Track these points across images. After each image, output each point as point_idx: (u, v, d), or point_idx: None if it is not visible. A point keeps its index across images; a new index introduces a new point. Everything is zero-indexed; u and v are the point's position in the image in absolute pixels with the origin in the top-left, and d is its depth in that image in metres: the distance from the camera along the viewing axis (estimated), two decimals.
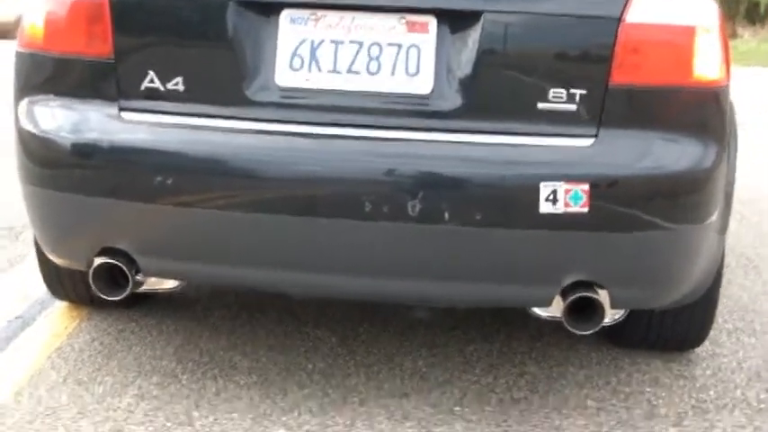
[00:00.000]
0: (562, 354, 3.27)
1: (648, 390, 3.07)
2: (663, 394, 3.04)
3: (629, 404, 2.96)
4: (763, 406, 2.98)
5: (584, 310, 2.55)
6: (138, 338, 3.28)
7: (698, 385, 3.11)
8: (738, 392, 3.06)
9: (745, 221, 5.13)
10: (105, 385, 2.94)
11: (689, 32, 2.49)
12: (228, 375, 3.03)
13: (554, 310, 2.60)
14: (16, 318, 3.45)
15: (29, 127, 2.66)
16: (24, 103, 2.70)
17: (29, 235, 3.80)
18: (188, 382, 2.97)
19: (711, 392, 3.06)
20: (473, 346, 3.31)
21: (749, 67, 17.46)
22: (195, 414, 2.79)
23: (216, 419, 2.76)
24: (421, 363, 3.18)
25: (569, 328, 2.58)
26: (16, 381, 2.95)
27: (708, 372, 3.21)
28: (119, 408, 2.80)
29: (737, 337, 3.51)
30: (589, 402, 2.96)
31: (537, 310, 2.77)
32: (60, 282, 3.31)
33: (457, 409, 2.88)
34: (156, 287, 2.97)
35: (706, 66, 2.51)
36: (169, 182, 2.50)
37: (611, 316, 2.77)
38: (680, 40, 2.49)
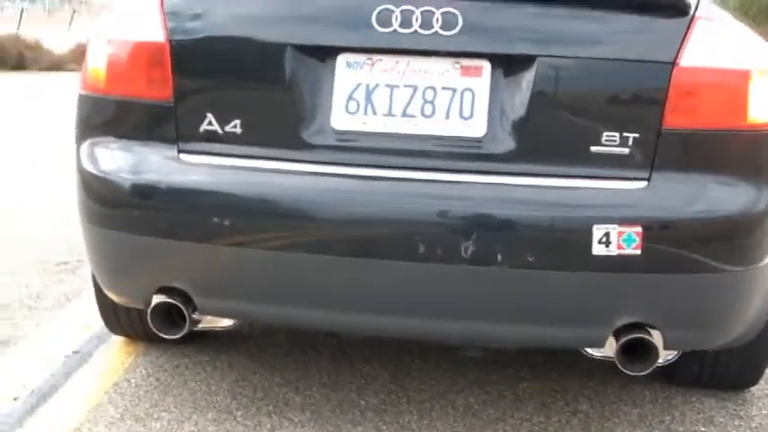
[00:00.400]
0: (615, 392, 3.27)
1: (703, 429, 3.05)
2: None
3: None
4: None
5: (637, 350, 2.55)
6: (192, 374, 3.32)
7: (753, 425, 3.09)
8: None
9: None
10: (162, 421, 2.98)
11: (743, 76, 2.49)
12: (282, 412, 3.06)
13: (607, 350, 2.60)
14: (74, 352, 3.51)
15: (90, 167, 2.72)
16: (86, 144, 2.76)
17: (85, 269, 3.87)
18: (243, 419, 3.01)
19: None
20: (525, 384, 3.31)
21: None
22: None
23: None
24: (473, 400, 3.18)
25: (622, 368, 2.57)
26: (75, 416, 3.00)
27: (764, 411, 3.19)
28: None
29: None
30: None
31: (590, 350, 2.77)
32: (117, 317, 3.36)
33: None
34: (213, 325, 3.01)
35: (760, 109, 2.51)
36: (226, 223, 2.54)
37: (665, 356, 2.76)
38: (734, 84, 2.49)
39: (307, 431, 2.94)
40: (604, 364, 2.97)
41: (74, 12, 31.51)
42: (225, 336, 3.61)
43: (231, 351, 3.51)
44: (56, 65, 20.76)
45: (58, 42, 22.34)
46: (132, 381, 3.26)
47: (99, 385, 3.23)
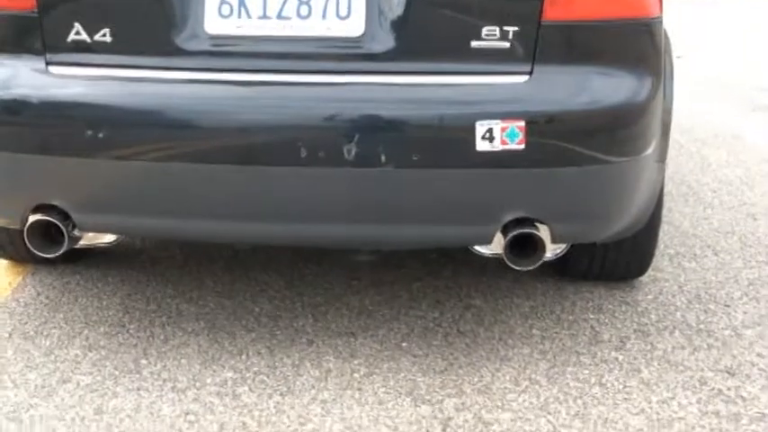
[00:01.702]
0: (507, 286, 3.31)
1: (592, 317, 3.12)
2: (606, 320, 3.09)
3: (572, 331, 3.01)
4: (701, 326, 3.05)
5: (525, 246, 2.56)
6: (83, 290, 3.27)
7: (640, 309, 3.17)
8: (679, 315, 3.13)
9: (684, 150, 5.19)
10: (52, 338, 2.94)
11: None
12: (176, 322, 3.04)
13: (496, 247, 2.62)
14: None
15: None
16: None
17: None
18: (135, 331, 2.98)
19: (653, 316, 3.12)
20: (419, 283, 3.34)
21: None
22: (143, 362, 2.80)
23: (164, 366, 2.78)
24: (368, 301, 3.21)
25: (511, 264, 2.59)
26: None
27: (650, 296, 3.27)
28: (66, 359, 2.81)
29: (678, 261, 3.57)
30: (534, 332, 3.01)
31: (479, 248, 2.77)
32: None
33: (404, 344, 2.92)
34: (94, 242, 2.92)
35: None
36: (100, 135, 2.46)
37: (553, 251, 2.80)
38: None
39: (200, 340, 2.93)
40: (497, 259, 3.02)
41: None
42: (116, 251, 3.55)
43: (123, 265, 3.46)
44: None
45: None
46: (21, 300, 3.20)
47: None
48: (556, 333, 3.00)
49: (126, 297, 3.22)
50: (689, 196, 4.40)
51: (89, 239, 2.86)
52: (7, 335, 2.95)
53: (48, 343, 2.91)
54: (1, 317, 3.08)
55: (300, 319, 3.07)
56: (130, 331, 2.98)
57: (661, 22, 2.60)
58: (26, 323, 3.03)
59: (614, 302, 3.22)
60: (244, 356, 2.83)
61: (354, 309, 3.15)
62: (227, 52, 2.51)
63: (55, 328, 3.00)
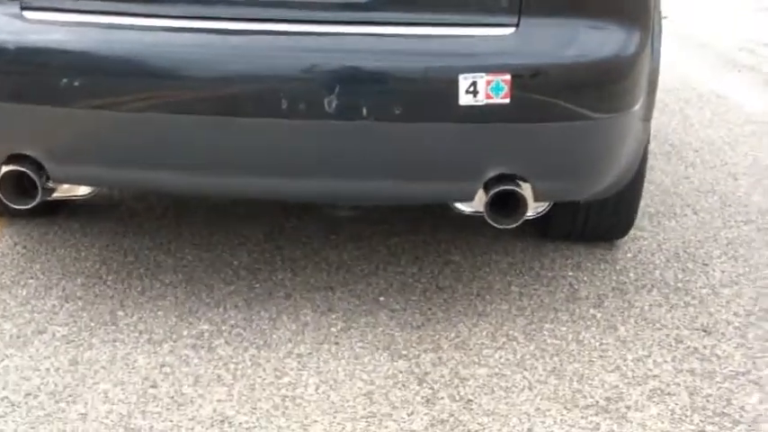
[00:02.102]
0: (487, 243, 3.31)
1: (571, 274, 3.13)
2: (584, 278, 3.10)
3: (551, 288, 3.02)
4: (679, 285, 3.06)
5: (507, 203, 2.53)
6: (61, 241, 3.25)
7: (618, 268, 3.18)
8: (657, 273, 3.14)
9: (667, 109, 5.17)
10: (29, 288, 2.93)
11: None
12: (154, 274, 3.03)
13: (477, 204, 2.58)
14: None
15: None
16: None
17: None
18: (112, 283, 2.97)
19: (631, 274, 3.13)
20: (398, 239, 3.34)
21: None
22: (120, 314, 2.79)
23: (140, 318, 2.77)
24: (346, 256, 3.20)
25: (492, 222, 2.56)
26: None
27: (629, 255, 3.28)
28: (43, 310, 2.80)
29: (658, 220, 3.58)
30: (512, 288, 3.01)
31: (460, 206, 2.74)
32: None
33: (382, 299, 2.92)
34: (69, 194, 2.87)
35: None
36: (76, 84, 2.41)
37: (534, 209, 2.74)
38: None
39: (178, 292, 2.92)
40: (478, 217, 3.01)
41: None
42: (95, 202, 3.51)
43: (102, 216, 3.44)
44: None
45: None
46: None
47: None
48: (534, 290, 3.00)
49: (104, 248, 3.20)
50: (671, 155, 4.39)
51: (63, 191, 2.81)
52: None
53: (24, 293, 2.89)
54: None
55: (279, 273, 3.07)
56: (107, 283, 2.97)
57: None
58: (2, 273, 3.01)
59: (593, 260, 3.22)
60: (221, 309, 2.83)
61: (333, 263, 3.15)
62: (207, 0, 2.46)
63: (32, 278, 2.99)
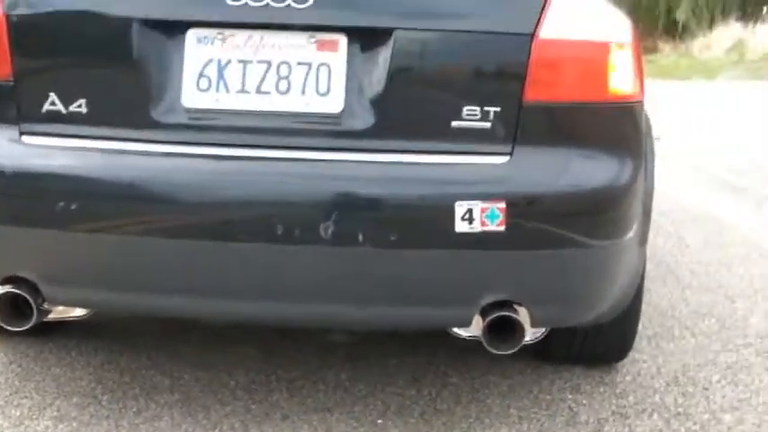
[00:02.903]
0: (485, 364, 3.29)
1: (570, 397, 3.10)
2: (584, 401, 3.07)
3: (550, 412, 2.99)
4: (680, 410, 3.03)
5: (504, 328, 2.50)
6: (56, 359, 3.23)
7: (618, 391, 3.15)
8: (657, 397, 3.11)
9: (662, 230, 5.21)
10: (22, 408, 2.89)
11: (603, 48, 2.47)
12: (149, 395, 3.00)
13: (474, 329, 2.56)
14: None
15: None
16: None
17: None
18: (108, 403, 2.93)
19: (631, 398, 3.11)
20: (396, 359, 3.32)
21: (669, 80, 17.80)
22: None
23: None
24: (344, 376, 3.17)
25: (489, 348, 2.53)
26: None
27: (628, 378, 3.26)
28: (36, 431, 2.75)
29: (657, 342, 3.57)
30: (511, 411, 2.99)
31: (457, 330, 2.72)
32: None
33: (380, 422, 2.89)
34: (64, 315, 2.85)
35: (620, 81, 2.50)
36: (72, 207, 2.41)
37: (532, 334, 2.73)
38: (594, 56, 2.47)
39: (174, 413, 2.89)
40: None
41: None
42: (91, 319, 3.47)
43: (97, 334, 3.42)
44: None
45: None
46: None
47: None
48: (534, 413, 2.98)
49: (99, 367, 3.18)
50: (667, 277, 4.41)
51: (59, 312, 2.78)
52: None
53: (18, 413, 2.85)
54: None
55: (276, 394, 3.04)
56: (103, 403, 2.93)
57: (642, 104, 2.62)
58: None
59: (592, 383, 3.20)
60: (217, 431, 2.79)
61: (330, 384, 3.12)
62: (204, 126, 2.47)
63: (26, 398, 2.95)
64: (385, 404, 3.00)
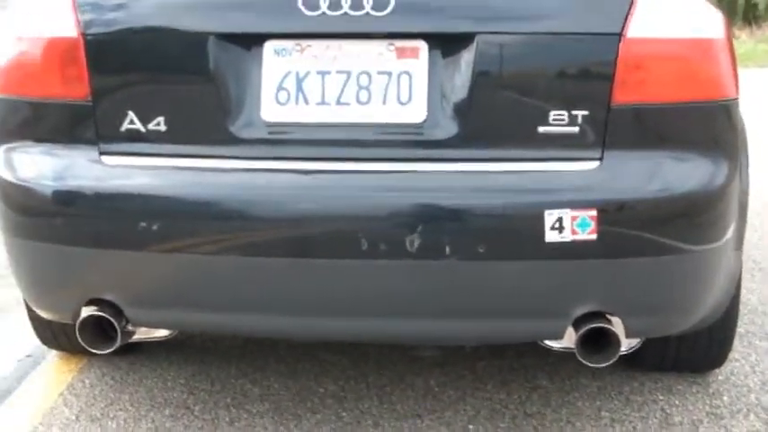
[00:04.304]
0: (574, 366, 3.25)
1: (662, 398, 3.06)
2: (677, 402, 3.03)
3: (643, 414, 2.95)
4: None
5: (598, 340, 2.44)
6: (148, 371, 3.28)
7: (711, 391, 3.10)
8: (752, 397, 3.06)
9: (748, 224, 5.10)
10: (118, 420, 2.94)
11: (694, 45, 2.40)
12: (241, 404, 3.03)
13: (566, 341, 2.50)
14: (26, 356, 3.46)
15: (8, 175, 2.56)
16: (2, 150, 2.61)
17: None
18: (200, 413, 2.97)
19: (725, 398, 3.05)
20: (484, 363, 3.31)
21: (747, 68, 17.44)
22: None
23: None
24: (433, 382, 3.17)
25: (584, 360, 2.46)
26: (30, 419, 2.96)
27: (721, 377, 3.20)
28: None
29: (749, 340, 3.51)
30: (603, 414, 2.96)
31: (549, 342, 2.65)
32: (52, 333, 3.21)
33: (471, 427, 2.88)
34: (148, 336, 2.84)
35: (714, 79, 2.42)
36: (155, 228, 2.41)
37: (628, 344, 2.65)
38: (686, 54, 2.40)
39: (266, 422, 2.91)
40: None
41: None
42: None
43: (187, 346, 3.47)
44: None
45: None
46: (87, 381, 3.21)
47: (53, 387, 3.19)
48: (625, 415, 2.94)
49: (190, 378, 3.22)
50: (755, 271, 4.33)
51: (143, 333, 2.77)
52: (74, 417, 2.96)
53: (114, 425, 2.91)
54: (68, 398, 3.09)
55: (365, 401, 3.05)
56: (196, 413, 2.97)
57: (738, 103, 2.52)
58: (92, 405, 3.04)
59: (684, 384, 3.15)
60: None
61: (419, 390, 3.12)
62: (284, 140, 2.45)
63: (121, 410, 3.01)
64: (475, 409, 2.99)
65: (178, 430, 2.87)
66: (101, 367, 3.31)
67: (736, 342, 3.43)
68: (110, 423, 2.92)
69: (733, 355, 3.34)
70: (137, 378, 3.23)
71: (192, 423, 2.91)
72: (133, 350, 3.38)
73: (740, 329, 3.54)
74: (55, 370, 3.33)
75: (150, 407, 3.02)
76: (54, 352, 3.44)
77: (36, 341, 3.51)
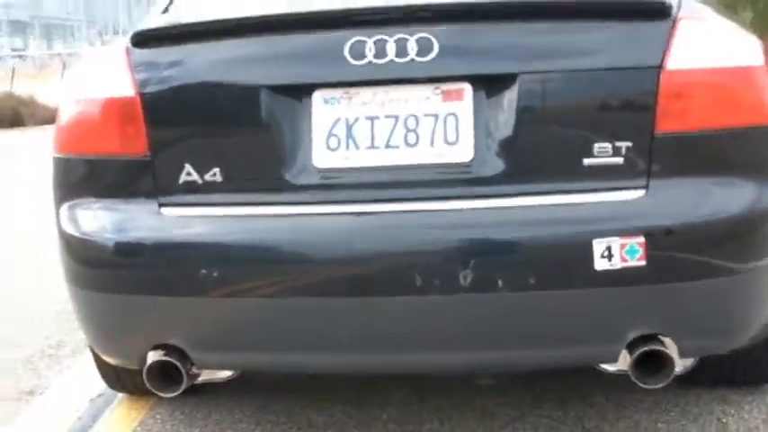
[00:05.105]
0: (628, 381, 3.29)
1: (718, 408, 3.12)
2: (732, 411, 3.09)
3: (699, 423, 3.02)
4: None
5: (652, 361, 2.49)
6: (216, 405, 3.39)
7: (767, 399, 3.15)
8: None
9: None
10: None
11: (733, 74, 2.47)
12: None
13: (621, 363, 2.55)
14: (98, 395, 3.58)
15: (71, 230, 2.68)
16: (65, 206, 2.73)
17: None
18: None
19: None
20: (540, 383, 3.38)
21: None
22: None
23: None
24: (490, 403, 3.25)
25: (638, 382, 2.52)
26: None
27: None
28: None
29: None
30: (659, 425, 3.02)
31: (604, 366, 2.69)
32: (118, 377, 3.32)
33: None
34: (212, 378, 2.93)
35: (753, 105, 2.48)
36: (215, 274, 2.49)
37: (682, 365, 2.67)
38: (724, 83, 2.46)
39: None
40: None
41: (64, 65, 31.63)
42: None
43: (252, 378, 3.55)
44: (51, 118, 20.79)
45: (51, 96, 22.46)
46: (158, 417, 3.34)
47: (126, 424, 3.31)
48: (682, 425, 3.01)
49: (257, 410, 3.33)
50: None
51: (207, 375, 2.84)
52: None
53: None
54: None
55: (426, 424, 3.14)
56: None
57: None
58: None
59: (739, 393, 3.21)
60: None
61: (478, 410, 3.21)
62: (336, 184, 2.53)
63: None
64: (533, 427, 3.07)
65: None
66: (170, 403, 3.42)
67: None
68: None
69: None
70: (206, 412, 3.34)
71: None
72: (201, 386, 3.49)
73: None
74: (126, 408, 3.45)
75: None
76: None
77: None
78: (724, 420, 3.02)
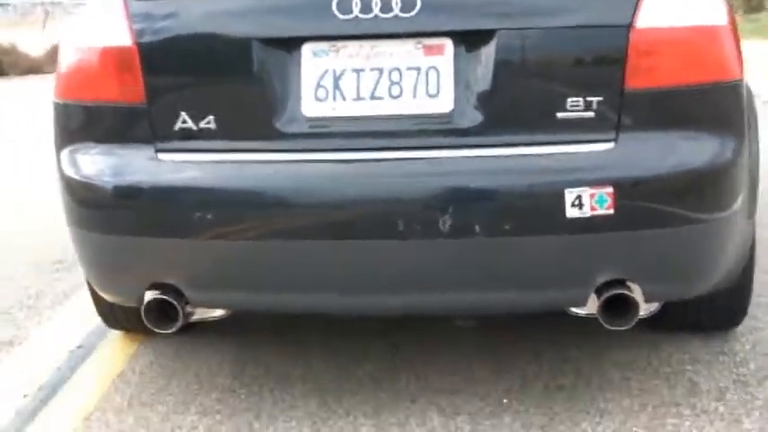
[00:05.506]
0: (604, 339, 3.37)
1: (689, 368, 3.16)
2: (704, 371, 3.13)
3: (671, 383, 3.06)
4: None
5: (619, 305, 2.62)
6: (193, 357, 3.42)
7: (738, 359, 3.20)
8: None
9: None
10: (168, 405, 3.09)
11: (699, 32, 2.57)
12: (283, 386, 3.16)
13: (590, 308, 2.69)
14: (78, 347, 3.61)
15: (72, 173, 2.78)
16: (66, 150, 2.82)
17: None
18: (246, 396, 3.11)
19: (752, 365, 3.15)
20: (516, 338, 3.42)
21: None
22: (256, 425, 2.93)
23: (276, 429, 2.90)
24: (467, 359, 3.29)
25: (605, 324, 2.66)
26: (84, 407, 3.11)
27: (747, 346, 3.31)
28: (183, 425, 2.95)
29: None
30: (632, 384, 3.07)
31: (574, 310, 2.82)
32: (114, 314, 3.44)
33: (505, 400, 3.00)
34: (206, 316, 3.02)
35: (719, 63, 2.59)
36: (209, 217, 2.61)
37: (647, 309, 2.82)
38: (691, 41, 2.57)
39: (308, 402, 3.05)
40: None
41: (47, 13, 31.33)
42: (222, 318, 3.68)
43: (230, 331, 3.58)
44: (34, 68, 20.62)
45: (33, 45, 22.27)
46: (136, 369, 3.36)
47: (105, 376, 3.34)
48: (654, 385, 3.05)
49: (234, 363, 3.36)
50: None
51: (200, 314, 2.96)
52: (126, 403, 3.11)
53: (164, 409, 3.05)
54: (119, 385, 3.24)
55: (402, 379, 3.17)
56: (242, 396, 3.11)
57: (742, 83, 2.67)
58: (143, 391, 3.19)
59: (711, 353, 3.26)
60: (351, 417, 2.94)
61: (454, 367, 3.24)
62: (324, 133, 2.64)
63: (170, 395, 3.15)
64: (509, 382, 3.11)
65: (226, 412, 3.01)
66: (148, 355, 3.46)
67: (761, 312, 3.55)
68: (160, 408, 3.06)
69: (758, 324, 3.45)
70: (183, 365, 3.37)
71: (239, 405, 3.05)
72: (179, 339, 3.52)
73: (764, 299, 3.65)
74: (106, 360, 3.48)
75: (198, 392, 3.16)
76: (103, 342, 3.60)
77: (86, 332, 3.68)
78: (695, 380, 3.07)
